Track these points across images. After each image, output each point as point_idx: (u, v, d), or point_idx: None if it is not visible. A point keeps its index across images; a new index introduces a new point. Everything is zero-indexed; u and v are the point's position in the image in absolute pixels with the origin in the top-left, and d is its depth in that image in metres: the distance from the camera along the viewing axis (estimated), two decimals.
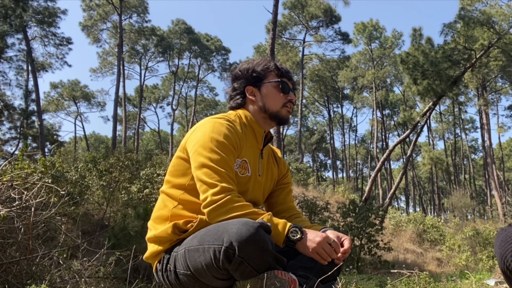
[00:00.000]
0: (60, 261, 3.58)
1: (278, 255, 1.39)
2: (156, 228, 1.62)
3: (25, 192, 3.20)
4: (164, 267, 1.57)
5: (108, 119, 42.20)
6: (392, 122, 42.66)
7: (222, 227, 1.37)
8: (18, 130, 22.56)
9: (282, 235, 1.44)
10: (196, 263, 1.41)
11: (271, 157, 1.88)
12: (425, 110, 18.39)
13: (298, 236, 1.45)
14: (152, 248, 1.62)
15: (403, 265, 7.16)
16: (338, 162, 48.18)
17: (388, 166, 39.74)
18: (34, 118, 23.27)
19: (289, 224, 1.47)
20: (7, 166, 3.54)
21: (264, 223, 1.38)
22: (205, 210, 1.49)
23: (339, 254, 1.50)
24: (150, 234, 1.63)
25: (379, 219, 11.98)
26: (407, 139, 25.76)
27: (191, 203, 1.59)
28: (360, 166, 51.57)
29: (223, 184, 1.49)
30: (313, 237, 1.47)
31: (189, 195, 1.60)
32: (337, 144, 52.06)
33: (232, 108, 1.81)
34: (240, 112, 1.76)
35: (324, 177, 47.59)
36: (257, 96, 1.76)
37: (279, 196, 1.88)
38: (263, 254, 1.32)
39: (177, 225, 1.54)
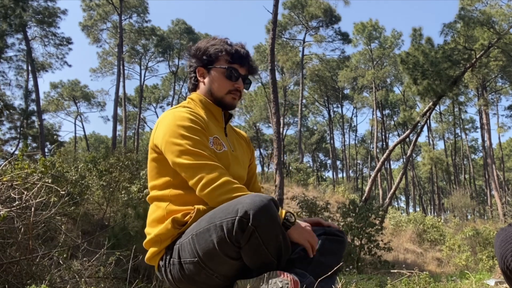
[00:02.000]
0: (60, 261, 3.58)
1: (286, 235, 1.42)
2: (153, 231, 1.60)
3: (25, 192, 3.20)
4: (167, 262, 1.56)
5: (108, 119, 42.21)
6: (392, 122, 42.64)
7: (235, 201, 1.39)
8: (18, 130, 22.59)
9: (280, 218, 1.45)
10: (206, 243, 1.40)
11: (237, 135, 1.89)
12: (425, 110, 18.40)
13: (293, 219, 1.47)
14: (152, 250, 1.61)
15: (403, 265, 7.17)
16: (338, 162, 48.19)
17: (388, 166, 39.73)
18: (34, 118, 23.30)
19: (284, 210, 1.49)
20: (7, 166, 3.54)
21: (275, 198, 1.41)
22: (205, 191, 1.48)
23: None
24: (148, 237, 1.61)
25: (379, 219, 11.98)
26: (407, 139, 25.76)
27: (182, 196, 1.58)
28: (360, 166, 51.57)
29: (210, 162, 1.50)
30: (305, 225, 1.51)
31: (178, 190, 1.59)
32: (337, 144, 52.09)
33: (189, 89, 1.82)
34: (194, 96, 1.77)
35: (324, 177, 47.57)
36: (206, 78, 1.75)
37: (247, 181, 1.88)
38: (274, 224, 1.35)
39: (176, 219, 1.54)
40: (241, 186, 1.50)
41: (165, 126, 1.59)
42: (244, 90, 1.79)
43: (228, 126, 1.84)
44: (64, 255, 3.71)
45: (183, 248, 1.49)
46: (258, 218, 1.31)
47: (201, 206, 1.52)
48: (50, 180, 3.66)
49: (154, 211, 1.63)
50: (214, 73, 1.73)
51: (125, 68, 33.87)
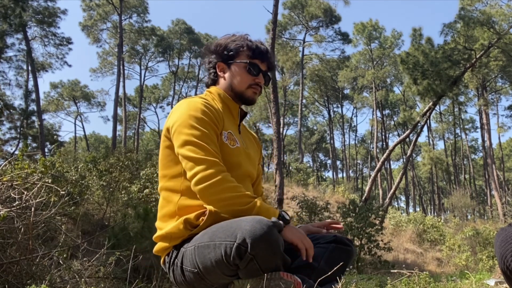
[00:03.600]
0: (60, 261, 3.58)
1: (285, 256, 1.39)
2: (165, 226, 1.60)
3: (25, 192, 3.20)
4: (171, 260, 1.57)
5: (108, 119, 42.22)
6: (392, 122, 42.64)
7: (235, 223, 1.37)
8: (18, 130, 22.58)
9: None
10: (205, 259, 1.40)
11: (249, 134, 1.89)
12: (425, 110, 18.40)
13: (288, 218, 1.48)
14: (161, 244, 1.61)
15: (403, 265, 7.16)
16: (338, 162, 48.20)
17: (388, 166, 39.72)
18: (34, 118, 23.28)
19: (278, 210, 1.50)
20: (7, 166, 3.54)
21: (277, 222, 1.38)
22: (198, 187, 1.47)
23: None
24: (159, 233, 1.61)
25: (379, 219, 11.98)
26: (407, 139, 25.76)
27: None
28: (360, 166, 51.57)
29: (211, 158, 1.48)
30: (297, 228, 1.51)
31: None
32: (337, 144, 52.13)
33: (207, 85, 1.82)
34: (213, 90, 1.76)
35: (324, 177, 47.60)
36: (226, 74, 1.75)
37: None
38: (274, 254, 1.33)
39: (189, 220, 1.53)
40: (236, 186, 1.48)
41: (178, 114, 1.59)
42: (264, 85, 1.80)
43: (242, 126, 1.84)
44: (64, 255, 3.71)
45: (186, 256, 1.49)
46: (257, 247, 1.29)
47: (213, 208, 1.51)
48: (50, 180, 3.66)
49: (165, 205, 1.62)
50: (235, 68, 1.74)
51: (125, 68, 33.91)
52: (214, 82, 1.79)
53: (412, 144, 19.70)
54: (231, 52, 1.73)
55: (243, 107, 1.84)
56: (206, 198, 1.47)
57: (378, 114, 38.18)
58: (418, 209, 39.40)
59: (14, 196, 3.15)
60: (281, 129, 22.84)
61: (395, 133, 43.06)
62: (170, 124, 1.59)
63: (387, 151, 19.84)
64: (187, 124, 1.54)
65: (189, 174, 1.50)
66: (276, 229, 1.34)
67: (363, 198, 17.22)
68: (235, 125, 1.75)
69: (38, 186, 3.29)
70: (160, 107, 44.41)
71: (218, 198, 1.45)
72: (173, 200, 1.59)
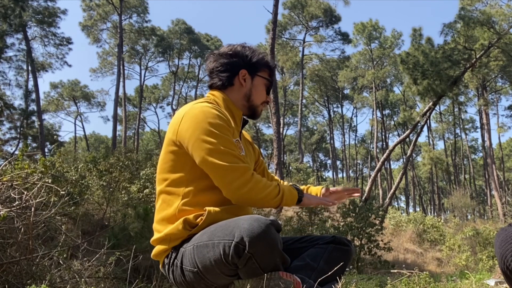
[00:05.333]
0: (60, 261, 3.58)
1: (284, 255, 1.40)
2: (164, 229, 1.58)
3: (25, 192, 3.20)
4: (171, 261, 1.56)
5: (108, 119, 42.21)
6: (392, 122, 42.64)
7: (233, 223, 1.37)
8: (18, 130, 22.59)
9: (295, 195, 1.61)
10: (204, 259, 1.40)
11: (246, 141, 1.88)
12: (425, 110, 18.41)
13: (303, 186, 1.69)
14: (160, 247, 1.60)
15: (403, 265, 7.17)
16: (338, 162, 48.22)
17: (388, 166, 39.74)
18: (34, 118, 23.30)
19: (295, 189, 1.64)
20: (7, 166, 3.55)
21: (275, 221, 1.38)
22: (237, 194, 1.49)
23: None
24: (157, 235, 1.59)
25: (379, 219, 11.98)
26: (407, 139, 25.76)
27: (195, 195, 1.55)
28: (360, 166, 51.58)
29: (241, 164, 1.51)
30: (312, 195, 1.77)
31: (191, 187, 1.56)
32: (337, 144, 52.14)
33: (214, 86, 1.75)
34: (216, 94, 1.72)
35: (324, 177, 47.58)
36: (247, 83, 1.73)
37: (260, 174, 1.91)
38: (272, 252, 1.33)
39: (188, 220, 1.52)
40: (266, 183, 1.54)
41: (193, 121, 1.54)
42: None
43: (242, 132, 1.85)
44: (64, 255, 3.71)
45: (186, 255, 1.49)
46: (255, 245, 1.29)
47: (212, 208, 1.50)
48: (50, 180, 3.66)
49: (164, 208, 1.59)
50: (257, 81, 1.76)
51: (125, 68, 33.91)
52: (225, 86, 1.73)
53: (412, 144, 19.71)
54: (257, 64, 1.75)
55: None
56: (247, 202, 1.52)
57: (378, 114, 38.22)
58: (418, 209, 39.44)
59: (14, 196, 3.15)
60: (281, 129, 22.85)
61: (395, 133, 43.08)
62: (187, 133, 1.54)
63: (387, 151, 19.84)
64: (209, 132, 1.51)
65: (221, 182, 1.49)
66: (274, 227, 1.34)
67: (363, 198, 17.21)
68: (237, 132, 1.72)
69: (38, 186, 3.29)
70: (160, 107, 44.47)
71: (258, 198, 1.51)
72: (173, 204, 1.57)
